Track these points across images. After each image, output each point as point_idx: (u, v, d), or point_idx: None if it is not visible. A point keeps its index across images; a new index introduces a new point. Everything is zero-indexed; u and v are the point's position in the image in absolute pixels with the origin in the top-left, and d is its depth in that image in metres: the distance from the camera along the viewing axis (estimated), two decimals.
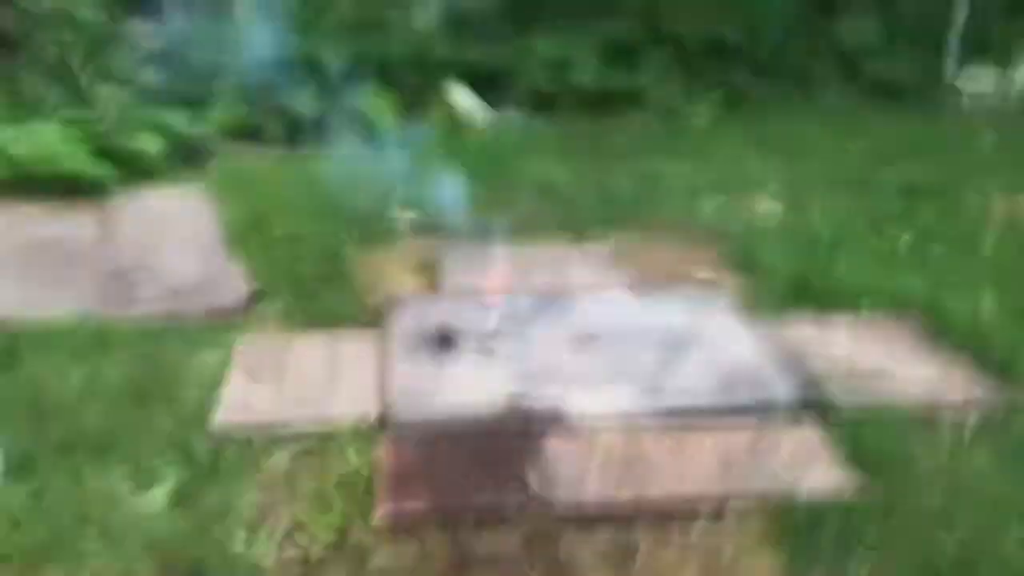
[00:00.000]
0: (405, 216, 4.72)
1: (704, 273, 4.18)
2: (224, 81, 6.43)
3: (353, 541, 2.43)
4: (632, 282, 4.01)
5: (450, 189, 4.95)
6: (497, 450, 2.75)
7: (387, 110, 6.15)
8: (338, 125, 5.96)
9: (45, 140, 4.80)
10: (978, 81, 7.80)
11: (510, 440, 2.80)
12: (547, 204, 5.03)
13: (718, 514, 2.53)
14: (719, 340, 3.42)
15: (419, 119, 6.45)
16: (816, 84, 7.85)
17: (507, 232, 4.51)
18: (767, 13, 7.93)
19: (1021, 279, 4.13)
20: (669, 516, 2.52)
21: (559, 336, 3.46)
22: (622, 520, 2.51)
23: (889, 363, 3.34)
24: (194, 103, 6.28)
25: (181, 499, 2.56)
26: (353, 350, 3.34)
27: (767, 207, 5.08)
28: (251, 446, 2.80)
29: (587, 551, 2.41)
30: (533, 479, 2.62)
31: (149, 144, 5.16)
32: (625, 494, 2.58)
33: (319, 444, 2.81)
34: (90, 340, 3.36)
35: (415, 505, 2.52)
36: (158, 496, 2.56)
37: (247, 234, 4.41)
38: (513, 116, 6.83)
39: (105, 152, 4.99)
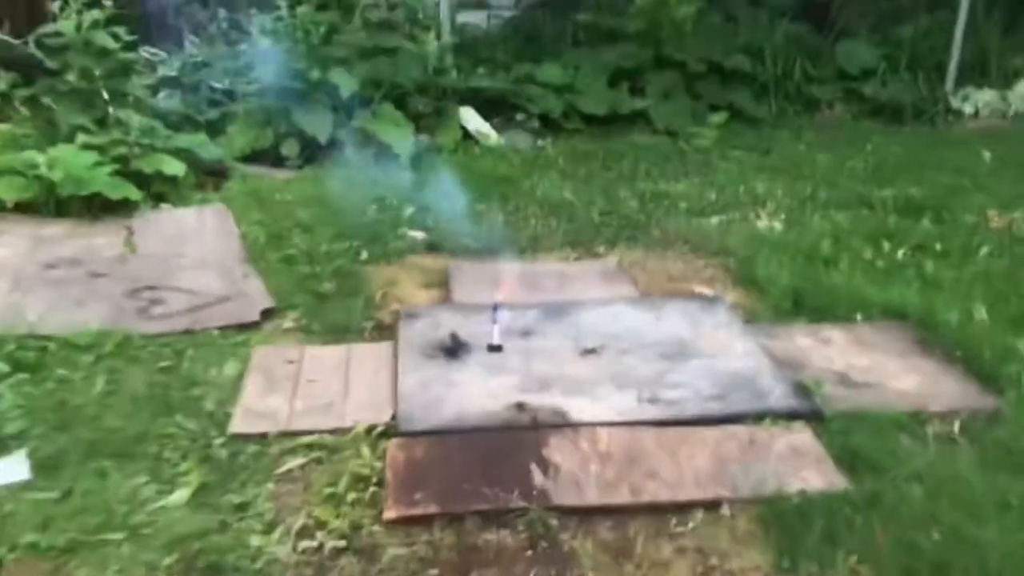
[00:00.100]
0: (416, 234, 4.88)
1: (704, 287, 4.31)
2: (240, 105, 6.64)
3: (365, 536, 2.56)
4: (635, 295, 4.15)
5: (460, 208, 5.13)
6: (502, 452, 2.88)
7: (399, 133, 6.32)
8: (351, 147, 6.16)
9: (71, 163, 4.98)
10: (976, 102, 7.94)
11: (515, 442, 2.93)
12: (554, 222, 5.19)
13: (712, 510, 2.66)
14: (717, 349, 3.56)
15: (430, 141, 6.62)
16: (817, 104, 8.01)
17: (515, 248, 4.69)
18: (769, 37, 8.12)
19: (1013, 290, 4.23)
20: (665, 512, 2.65)
21: (563, 346, 3.60)
22: (620, 516, 2.64)
23: (880, 371, 3.46)
24: (211, 126, 6.49)
25: (202, 498, 2.70)
26: (365, 360, 3.49)
27: (767, 224, 5.21)
28: (268, 449, 2.95)
29: (587, 545, 2.54)
30: (536, 478, 2.75)
31: (169, 166, 5.34)
32: (623, 492, 2.71)
33: (332, 447, 2.95)
34: (114, 350, 3.52)
35: (424, 503, 2.65)
36: (180, 496, 2.70)
37: (264, 251, 4.58)
38: (521, 138, 6.99)
39: (128, 174, 5.17)
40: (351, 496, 2.71)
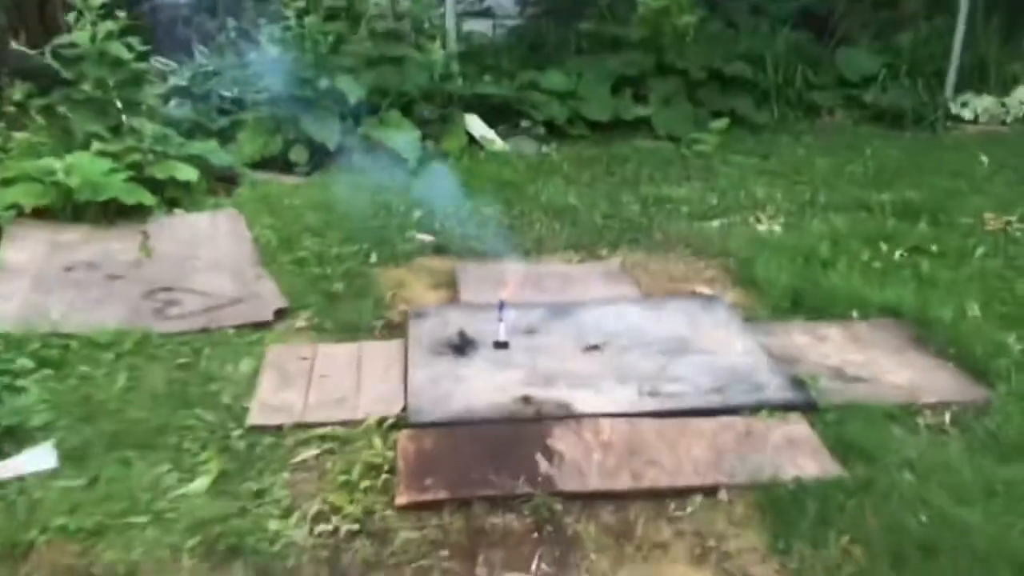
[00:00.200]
0: (424, 237, 5.00)
1: (705, 287, 4.43)
2: (249, 113, 6.77)
3: (378, 521, 2.68)
4: (637, 295, 4.26)
5: (466, 212, 5.25)
6: (508, 441, 3.00)
7: (405, 139, 6.44)
8: (359, 153, 6.29)
9: (87, 169, 5.11)
10: (975, 108, 8.05)
11: (520, 432, 3.05)
12: (558, 225, 5.31)
13: (710, 496, 2.78)
14: (716, 346, 3.67)
15: (436, 148, 6.75)
16: (817, 111, 8.13)
17: (520, 251, 4.81)
18: (770, 45, 8.24)
19: (1007, 289, 4.36)
20: (664, 498, 2.77)
21: (567, 343, 3.72)
22: (621, 501, 2.75)
23: (874, 366, 3.58)
24: (221, 134, 6.62)
25: (221, 486, 2.82)
26: (376, 356, 3.61)
27: (767, 227, 5.33)
28: (283, 441, 3.07)
29: (590, 528, 2.65)
30: (541, 466, 2.87)
31: (182, 172, 5.47)
32: (624, 478, 2.82)
33: (345, 439, 3.07)
34: (133, 348, 3.64)
35: (433, 489, 2.77)
36: (201, 483, 2.82)
37: (276, 253, 4.71)
38: (526, 144, 7.12)
39: (142, 180, 5.30)
40: (364, 483, 2.83)
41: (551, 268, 4.66)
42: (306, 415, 3.20)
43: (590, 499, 2.77)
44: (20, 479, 2.79)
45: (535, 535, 2.63)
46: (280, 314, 4.03)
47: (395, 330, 3.90)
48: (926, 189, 6.03)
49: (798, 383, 3.38)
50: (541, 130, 7.39)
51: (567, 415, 3.15)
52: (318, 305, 4.15)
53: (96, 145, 5.46)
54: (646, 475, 2.85)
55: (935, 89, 8.23)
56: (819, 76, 8.35)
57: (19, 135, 5.98)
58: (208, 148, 6.05)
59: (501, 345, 3.65)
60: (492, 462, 2.89)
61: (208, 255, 4.67)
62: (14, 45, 6.21)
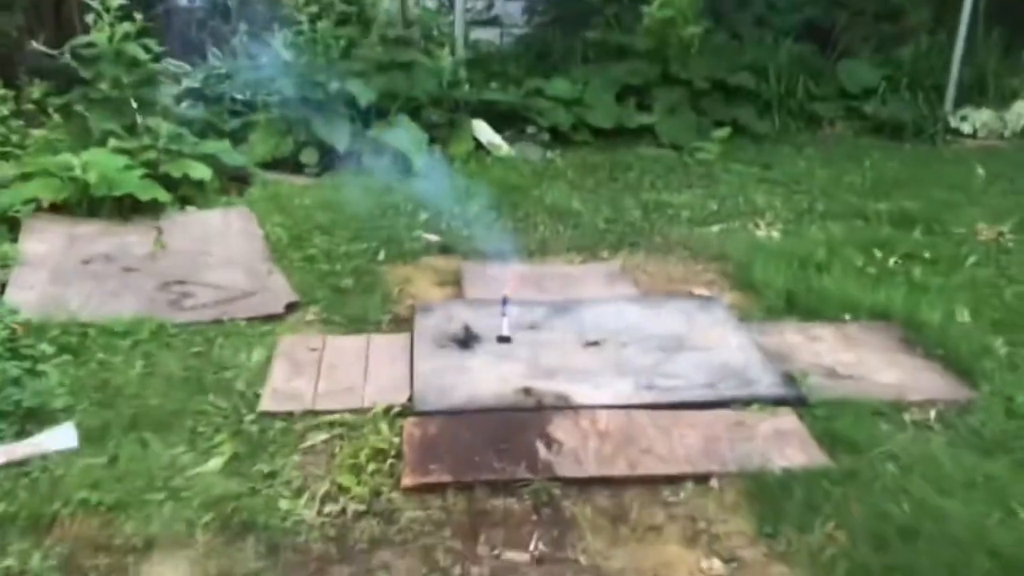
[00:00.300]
0: (430, 237, 5.14)
1: (703, 288, 4.56)
2: (261, 115, 6.92)
3: (384, 502, 2.81)
4: (636, 295, 4.39)
5: (472, 214, 5.39)
6: (510, 429, 3.13)
7: (413, 142, 6.59)
8: (368, 156, 6.43)
9: (104, 165, 5.26)
10: (974, 122, 8.18)
11: (521, 421, 3.18)
12: (561, 228, 5.45)
13: (702, 483, 2.90)
14: (711, 342, 3.81)
15: (443, 152, 6.89)
16: (819, 122, 8.27)
17: (524, 252, 4.94)
18: (773, 57, 8.38)
19: (996, 296, 4.48)
20: (658, 484, 2.90)
21: (568, 339, 3.85)
22: (617, 486, 2.88)
23: (864, 365, 3.70)
24: (233, 135, 6.76)
25: (235, 467, 2.95)
26: (383, 348, 3.74)
27: (765, 233, 5.46)
28: (294, 426, 3.20)
29: (586, 511, 2.78)
30: (541, 453, 2.99)
31: (196, 171, 5.61)
32: (620, 465, 2.95)
33: (353, 425, 3.20)
34: (149, 337, 3.78)
35: (437, 473, 2.90)
36: (215, 464, 2.95)
37: (287, 251, 4.85)
38: (531, 150, 7.26)
39: (156, 177, 5.44)
40: (371, 467, 2.95)
41: (553, 268, 4.79)
42: (316, 402, 3.33)
43: (587, 484, 2.90)
44: (43, 457, 2.92)
45: (534, 517, 2.76)
46: (291, 307, 4.17)
47: (402, 324, 4.03)
48: (922, 199, 6.16)
49: (789, 379, 3.51)
50: (546, 136, 7.53)
51: (566, 406, 3.28)
52: (327, 300, 4.28)
53: (112, 142, 5.61)
54: (641, 462, 2.97)
55: (935, 102, 8.36)
56: (821, 88, 8.49)
57: (37, 132, 6.12)
58: (221, 148, 6.20)
59: (504, 340, 3.78)
60: (494, 448, 3.02)
61: (221, 251, 4.81)
62: (33, 45, 6.35)
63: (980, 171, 6.91)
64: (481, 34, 9.31)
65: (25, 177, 5.26)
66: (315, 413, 3.26)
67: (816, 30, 9.02)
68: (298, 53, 7.00)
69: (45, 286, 4.24)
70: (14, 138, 5.95)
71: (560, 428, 3.14)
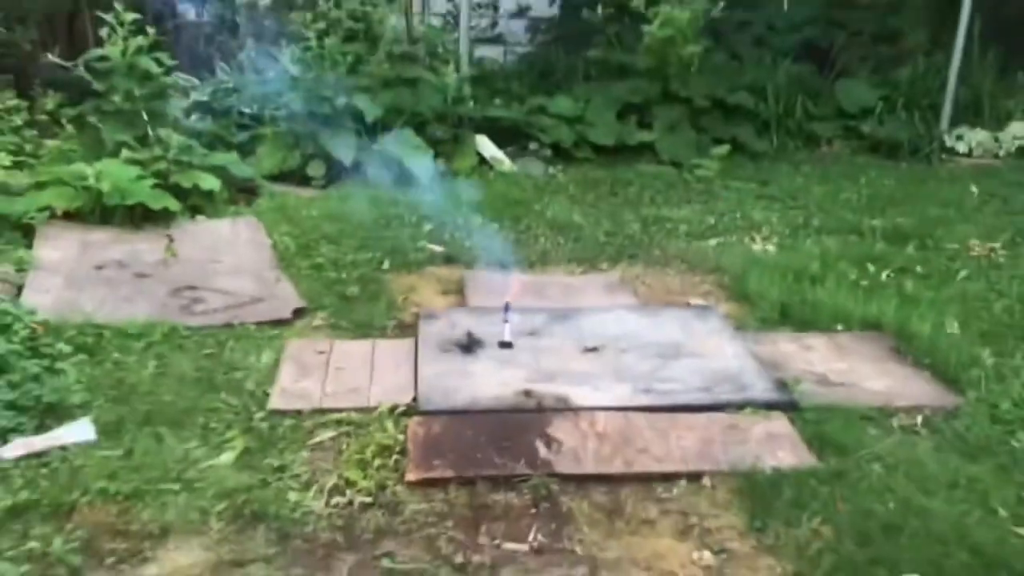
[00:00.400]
0: (434, 248, 5.27)
1: (699, 299, 4.68)
2: (268, 128, 7.07)
3: (389, 495, 2.92)
4: (635, 304, 4.52)
5: (475, 226, 5.52)
6: (510, 429, 3.24)
7: (418, 157, 6.73)
8: (374, 169, 6.57)
9: (117, 175, 5.39)
10: (970, 142, 8.33)
11: (522, 422, 3.30)
12: (562, 240, 5.58)
13: (695, 481, 3.02)
14: (707, 349, 3.93)
15: (447, 166, 7.03)
16: (817, 140, 8.42)
17: (525, 262, 5.07)
18: (771, 77, 8.55)
19: (986, 310, 4.59)
20: (653, 481, 3.01)
21: (568, 345, 3.97)
22: (613, 483, 2.99)
23: (855, 373, 3.82)
24: (241, 148, 6.91)
25: (246, 461, 3.07)
26: (389, 352, 3.87)
27: (761, 247, 5.59)
28: (302, 424, 3.32)
29: (583, 506, 2.89)
30: (540, 451, 3.11)
31: (205, 181, 5.74)
32: (617, 463, 3.06)
33: (359, 423, 3.32)
34: (162, 338, 3.91)
35: (441, 468, 3.01)
36: (227, 458, 3.07)
37: (294, 259, 4.98)
38: (533, 165, 7.40)
39: (167, 187, 5.58)
40: (377, 462, 3.07)
41: (554, 278, 4.92)
42: (323, 402, 3.45)
43: (584, 481, 3.01)
44: (62, 449, 3.03)
45: (533, 511, 2.87)
46: (298, 313, 4.30)
47: (406, 330, 4.15)
48: (916, 216, 6.29)
49: (782, 385, 3.62)
50: (548, 152, 7.69)
51: (566, 407, 3.40)
52: (334, 306, 4.41)
53: (125, 153, 5.75)
54: (637, 461, 3.09)
55: (931, 122, 8.52)
56: (819, 107, 8.66)
57: (51, 143, 6.28)
58: (229, 160, 6.34)
59: (506, 345, 3.91)
60: (495, 447, 3.14)
61: (230, 259, 4.94)
62: (48, 57, 6.51)
63: (974, 189, 7.05)
64: (485, 52, 9.50)
65: (40, 186, 5.40)
66: (323, 412, 3.38)
67: (814, 50, 9.20)
68: (306, 68, 7.16)
69: (60, 290, 4.37)
70: (28, 148, 6.11)
71: (559, 429, 3.26)
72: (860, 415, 3.44)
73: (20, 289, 4.33)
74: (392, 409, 3.39)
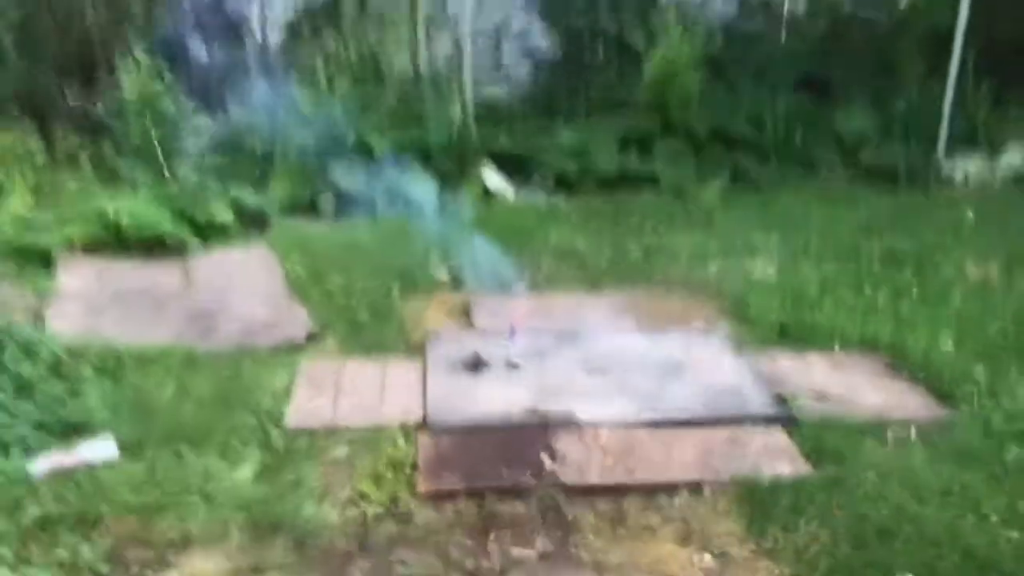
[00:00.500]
0: (441, 274, 5.42)
1: (701, 321, 4.80)
2: (280, 164, 7.26)
3: (401, 506, 3.05)
4: (637, 326, 4.64)
5: (481, 252, 5.66)
6: (518, 443, 3.36)
7: (425, 188, 6.89)
8: (382, 201, 6.74)
9: (135, 209, 5.57)
10: (966, 169, 8.48)
11: (529, 436, 3.42)
12: (566, 266, 5.73)
13: (695, 490, 3.13)
14: (708, 367, 4.05)
15: (453, 197, 7.19)
16: (816, 169, 8.57)
17: (530, 287, 5.21)
18: (770, 107, 8.73)
19: (980, 329, 4.70)
20: (655, 491, 3.12)
21: (573, 363, 4.10)
22: (616, 493, 3.11)
23: (851, 389, 3.93)
24: (254, 182, 7.09)
25: (263, 475, 3.20)
26: (399, 371, 4.00)
27: (762, 270, 5.72)
28: (317, 440, 3.45)
29: (588, 515, 3.00)
30: (546, 463, 3.23)
31: (221, 213, 5.92)
32: (620, 474, 3.18)
33: (372, 439, 3.45)
34: (180, 361, 4.05)
35: (450, 481, 3.13)
36: (245, 472, 3.20)
37: (307, 285, 5.12)
38: (537, 196, 7.57)
39: (184, 219, 5.76)
40: (389, 476, 3.19)
41: (558, 302, 5.05)
42: (336, 420, 3.58)
43: (589, 491, 3.13)
44: (86, 466, 3.16)
45: (539, 519, 2.99)
46: (311, 337, 4.44)
47: (415, 351, 4.28)
48: (913, 241, 6.41)
49: (781, 401, 3.74)
50: (552, 183, 7.83)
51: (570, 423, 3.52)
52: (345, 330, 4.55)
53: (142, 188, 5.94)
54: (639, 472, 3.20)
55: (928, 150, 8.66)
56: (817, 136, 8.80)
57: (71, 179, 6.46)
58: (243, 194, 6.51)
59: (512, 365, 4.03)
60: (502, 460, 3.26)
61: (244, 286, 5.09)
62: (68, 98, 6.73)
63: (970, 215, 7.17)
64: (489, 88, 9.70)
65: (61, 220, 5.58)
66: (336, 429, 3.51)
67: (812, 82, 9.37)
68: (317, 106, 7.37)
69: (82, 317, 4.51)
70: (48, 185, 6.30)
71: (564, 443, 3.37)
72: (856, 428, 3.55)
73: (43, 317, 4.48)
74: (403, 426, 3.51)
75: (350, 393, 3.80)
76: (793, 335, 4.58)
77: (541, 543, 2.87)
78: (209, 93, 9.02)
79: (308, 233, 6.26)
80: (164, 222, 5.58)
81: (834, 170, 8.70)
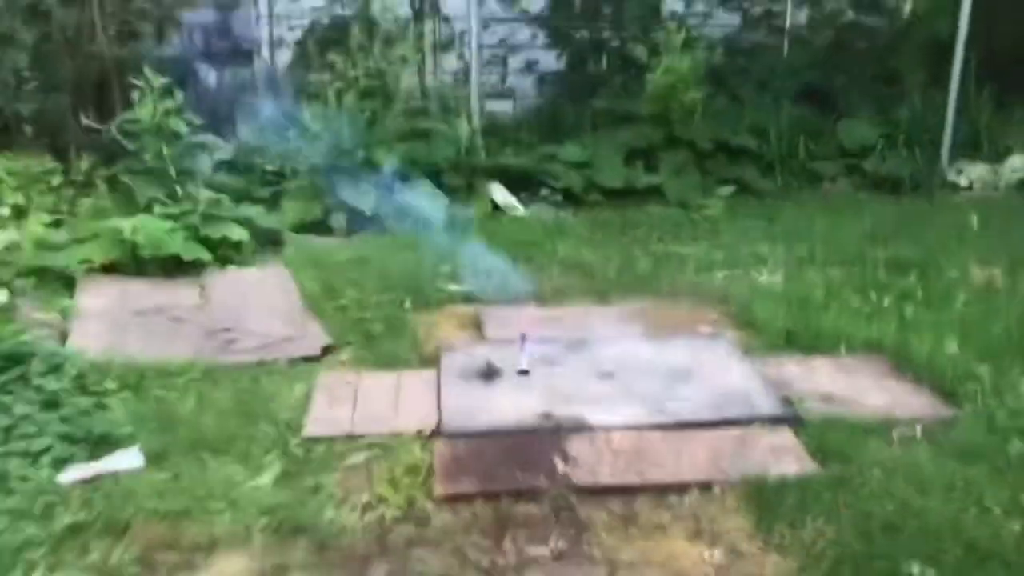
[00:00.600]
0: (453, 287, 5.52)
1: (708, 327, 4.89)
2: (292, 183, 7.39)
3: (418, 509, 3.13)
4: (646, 333, 4.74)
5: (490, 267, 5.77)
6: (530, 448, 3.45)
7: (434, 205, 7.02)
8: (393, 218, 6.87)
9: (151, 229, 5.70)
10: (970, 175, 8.56)
11: (541, 440, 3.51)
12: (574, 278, 5.82)
13: (705, 490, 3.21)
14: (716, 372, 4.14)
15: (462, 212, 7.31)
16: (820, 179, 8.67)
17: (539, 298, 5.31)
18: (773, 118, 8.83)
19: (984, 331, 4.76)
20: (665, 491, 3.21)
21: (583, 371, 4.19)
22: (628, 493, 3.19)
23: (857, 390, 4.02)
24: (266, 201, 7.22)
25: (284, 482, 3.30)
26: (413, 382, 4.10)
27: (767, 278, 5.81)
28: (335, 448, 3.54)
29: (600, 514, 3.09)
30: (559, 466, 3.31)
31: (234, 233, 6.03)
32: (631, 476, 3.27)
33: (388, 446, 3.53)
34: (200, 375, 4.15)
35: (466, 484, 3.23)
36: (266, 479, 3.30)
37: (321, 302, 5.22)
38: (545, 210, 7.68)
39: (198, 239, 5.87)
40: (406, 480, 3.28)
41: (567, 311, 5.15)
42: (354, 428, 3.67)
43: (601, 492, 3.21)
44: (113, 475, 3.26)
45: (553, 520, 3.08)
46: (327, 350, 4.54)
47: (429, 362, 4.38)
48: (918, 246, 6.49)
49: (787, 402, 3.83)
50: (559, 197, 7.96)
51: (582, 427, 3.61)
52: (360, 343, 4.65)
53: (157, 209, 6.06)
54: (650, 473, 3.29)
55: (932, 158, 8.75)
56: (821, 146, 8.90)
57: (86, 201, 6.60)
58: (255, 213, 6.64)
59: (523, 373, 4.13)
60: (516, 463, 3.35)
61: (260, 303, 5.20)
62: (84, 121, 6.87)
63: (974, 220, 7.24)
64: (496, 105, 9.85)
65: (79, 241, 5.71)
66: (353, 437, 3.60)
67: (815, 92, 9.49)
68: (325, 125, 7.50)
69: (103, 334, 4.62)
70: (66, 207, 6.45)
71: (576, 446, 3.46)
72: (861, 427, 3.63)
73: (66, 335, 4.59)
74: (418, 433, 3.61)
75: (366, 403, 3.90)
76: (799, 340, 4.66)
77: (555, 542, 2.95)
78: (219, 113, 9.20)
79: (321, 250, 6.38)
80: (179, 242, 5.69)
81: (838, 179, 8.80)
